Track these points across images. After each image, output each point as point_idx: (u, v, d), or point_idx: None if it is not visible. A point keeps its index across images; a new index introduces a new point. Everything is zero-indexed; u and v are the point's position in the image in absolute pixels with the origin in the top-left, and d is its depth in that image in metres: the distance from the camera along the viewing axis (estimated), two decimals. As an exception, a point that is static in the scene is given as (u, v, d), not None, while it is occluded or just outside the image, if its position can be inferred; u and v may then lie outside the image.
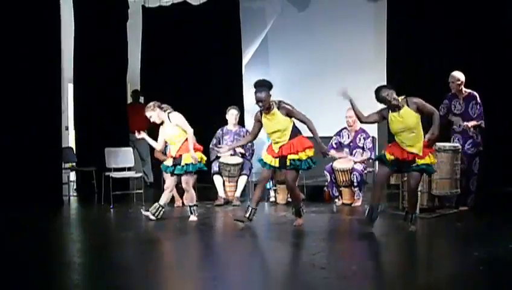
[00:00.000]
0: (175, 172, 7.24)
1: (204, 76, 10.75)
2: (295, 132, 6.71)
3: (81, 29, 9.88)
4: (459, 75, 7.55)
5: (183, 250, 6.06)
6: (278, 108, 6.60)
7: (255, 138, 7.12)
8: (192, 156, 7.14)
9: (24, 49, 8.24)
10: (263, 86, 6.58)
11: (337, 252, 5.94)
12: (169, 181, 7.35)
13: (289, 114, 6.63)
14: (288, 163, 6.58)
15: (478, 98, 7.49)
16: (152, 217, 7.20)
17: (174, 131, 7.23)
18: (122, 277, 5.01)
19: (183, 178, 7.25)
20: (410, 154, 6.21)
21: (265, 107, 6.58)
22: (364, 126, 8.54)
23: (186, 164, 7.17)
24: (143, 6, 11.04)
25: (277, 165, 6.67)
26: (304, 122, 6.69)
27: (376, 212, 6.39)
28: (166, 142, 7.59)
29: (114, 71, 10.12)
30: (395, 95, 6.18)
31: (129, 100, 10.80)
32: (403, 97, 6.24)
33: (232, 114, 8.83)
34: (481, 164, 7.60)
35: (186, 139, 7.22)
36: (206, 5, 10.79)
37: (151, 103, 7.33)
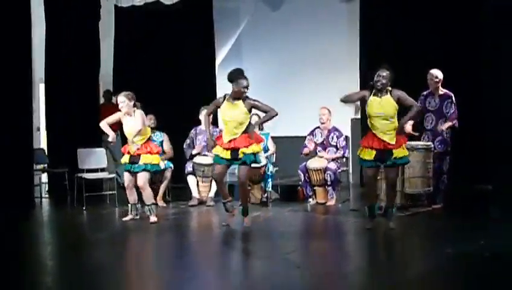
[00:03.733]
0: (133, 170, 7.17)
1: (177, 76, 10.69)
2: (250, 127, 6.71)
3: (52, 28, 9.77)
4: (437, 73, 7.61)
5: (157, 251, 6.02)
6: (243, 100, 6.62)
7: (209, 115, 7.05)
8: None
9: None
10: (243, 74, 6.68)
11: (312, 251, 5.94)
12: (128, 179, 7.22)
13: (254, 107, 6.65)
14: (241, 156, 6.58)
15: (453, 99, 7.56)
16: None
17: (137, 127, 7.17)
18: (95, 279, 4.95)
19: (140, 175, 7.15)
20: (385, 142, 6.29)
21: (245, 96, 6.61)
22: (337, 125, 8.59)
23: (145, 164, 7.15)
24: (115, 6, 10.94)
25: (229, 157, 6.64)
26: (267, 111, 6.72)
27: (374, 212, 6.55)
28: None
29: (86, 71, 10.02)
30: (385, 81, 6.29)
31: (101, 100, 10.69)
32: (388, 88, 6.36)
33: (203, 114, 8.78)
34: (450, 163, 7.67)
35: (148, 140, 7.26)
36: (179, 5, 10.73)
37: (131, 93, 7.29)
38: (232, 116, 6.62)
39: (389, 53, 9.05)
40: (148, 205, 7.20)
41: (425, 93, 7.70)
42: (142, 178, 7.16)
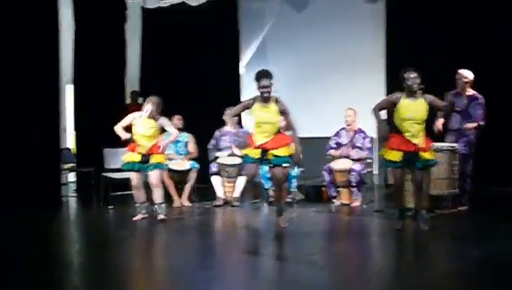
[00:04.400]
0: (147, 170, 7.24)
1: (202, 77, 10.76)
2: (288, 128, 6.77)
3: (80, 30, 9.92)
4: (467, 73, 7.55)
5: (181, 250, 6.06)
6: (276, 102, 6.60)
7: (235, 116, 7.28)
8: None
9: (23, 51, 8.24)
10: (268, 74, 6.63)
11: (336, 252, 5.93)
12: (137, 178, 7.31)
13: (282, 113, 6.62)
14: (270, 156, 6.58)
15: (481, 101, 7.48)
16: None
17: (151, 128, 7.30)
18: (121, 277, 5.02)
19: (154, 173, 7.24)
20: (413, 145, 6.30)
21: (268, 96, 6.59)
22: (363, 126, 8.56)
23: (156, 163, 7.25)
24: (142, 7, 11.05)
25: (259, 156, 6.62)
26: (291, 129, 6.72)
27: (404, 214, 6.53)
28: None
29: (113, 72, 10.16)
30: (419, 81, 6.28)
31: (128, 101, 10.80)
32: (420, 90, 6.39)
33: (228, 114, 8.82)
34: (474, 164, 7.60)
35: (157, 142, 7.32)
36: (204, 6, 10.79)
37: (160, 103, 7.43)
38: (265, 118, 6.61)
39: (415, 54, 8.99)
40: (157, 204, 7.28)
41: (452, 92, 7.63)
42: (156, 176, 7.26)
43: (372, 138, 8.63)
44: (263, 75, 6.61)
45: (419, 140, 6.34)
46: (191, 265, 5.35)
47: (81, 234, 7.28)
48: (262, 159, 6.66)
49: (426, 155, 6.37)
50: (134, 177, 7.30)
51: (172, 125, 7.64)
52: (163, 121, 7.43)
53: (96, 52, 9.93)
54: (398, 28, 9.55)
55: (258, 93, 6.62)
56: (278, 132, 6.68)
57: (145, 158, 7.24)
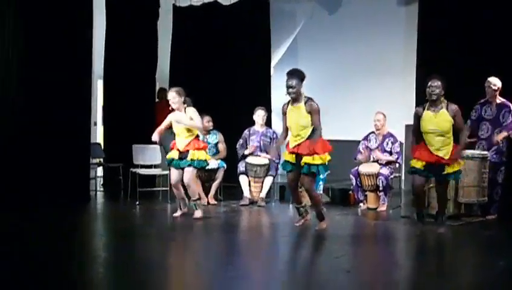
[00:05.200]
0: (180, 165, 7.25)
1: (232, 76, 10.81)
2: (316, 132, 6.53)
3: (112, 26, 10.05)
4: (495, 81, 7.52)
5: (207, 248, 6.12)
6: (305, 103, 6.49)
7: (287, 131, 6.79)
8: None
9: (56, 45, 8.35)
10: (294, 74, 6.51)
11: (362, 255, 5.94)
12: (175, 175, 7.31)
13: (310, 112, 6.47)
14: (302, 164, 6.46)
15: (511, 108, 7.44)
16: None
17: (186, 123, 7.25)
18: (146, 272, 5.08)
19: (186, 171, 7.22)
20: (438, 157, 6.29)
21: (294, 97, 6.49)
22: (392, 130, 8.54)
23: (192, 159, 7.20)
24: (174, 5, 11.15)
25: (294, 161, 6.56)
26: (315, 129, 6.51)
27: (422, 218, 6.73)
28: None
29: (143, 69, 10.26)
30: (438, 91, 6.23)
31: (157, 98, 10.89)
32: (443, 99, 6.34)
33: (259, 115, 8.87)
34: (506, 174, 7.53)
35: (196, 137, 7.33)
36: (236, 6, 10.85)
37: (181, 89, 7.39)
38: (296, 120, 6.53)
39: (447, 59, 8.93)
40: (193, 201, 7.33)
41: (482, 101, 7.61)
42: (188, 174, 7.23)
43: (401, 143, 8.61)
44: (288, 74, 6.55)
45: (444, 152, 6.32)
46: (215, 263, 5.40)
47: (108, 228, 7.39)
48: (297, 164, 6.55)
49: (451, 168, 6.37)
50: (171, 173, 7.36)
51: (198, 118, 7.40)
52: (190, 111, 7.32)
53: (128, 49, 10.04)
54: (430, 31, 9.46)
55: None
56: (312, 135, 6.50)
57: (183, 155, 7.25)
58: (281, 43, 11.41)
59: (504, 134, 7.38)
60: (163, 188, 8.87)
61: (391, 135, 8.51)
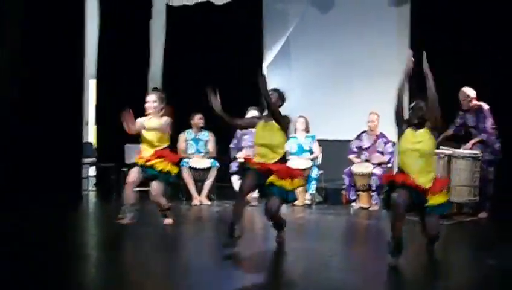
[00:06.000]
0: (147, 173, 6.56)
1: (225, 76, 10.83)
2: (284, 158, 5.90)
3: (105, 25, 10.07)
4: (468, 91, 7.66)
5: (196, 247, 6.13)
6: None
7: (239, 125, 6.46)
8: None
9: (48, 45, 8.36)
10: (276, 90, 6.05)
11: (354, 255, 5.98)
12: (134, 174, 6.58)
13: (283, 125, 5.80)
14: (268, 183, 5.65)
15: (486, 111, 7.56)
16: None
17: (158, 129, 6.61)
18: (138, 271, 5.11)
19: (154, 185, 6.56)
20: (417, 184, 5.24)
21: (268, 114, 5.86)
22: (385, 131, 8.60)
23: (159, 171, 6.52)
24: (167, 5, 11.18)
25: (258, 175, 5.71)
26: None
27: (401, 246, 5.20)
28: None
29: (136, 69, 10.29)
30: (421, 114, 5.37)
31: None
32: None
33: (252, 114, 8.89)
34: (498, 171, 7.62)
35: (165, 148, 6.67)
36: (229, 6, 10.89)
37: (163, 96, 6.87)
38: (263, 138, 5.87)
39: (440, 59, 8.99)
40: (163, 210, 6.81)
41: (464, 109, 7.76)
42: (156, 189, 6.58)
43: (394, 143, 8.67)
44: (271, 90, 6.03)
45: (424, 181, 5.27)
46: (206, 262, 5.42)
47: (99, 227, 7.40)
48: (261, 181, 5.72)
49: (435, 199, 5.30)
50: (131, 171, 6.64)
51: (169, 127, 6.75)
52: (164, 121, 6.69)
53: (120, 48, 10.07)
54: (423, 32, 9.54)
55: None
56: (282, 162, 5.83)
57: (148, 165, 6.55)
58: (274, 43, 11.42)
59: (474, 140, 7.54)
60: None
61: (384, 136, 8.58)
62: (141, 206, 8.21)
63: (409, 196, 5.19)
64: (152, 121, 6.67)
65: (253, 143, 8.31)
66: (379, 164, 8.40)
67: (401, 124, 5.46)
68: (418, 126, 5.38)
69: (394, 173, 5.71)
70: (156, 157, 6.55)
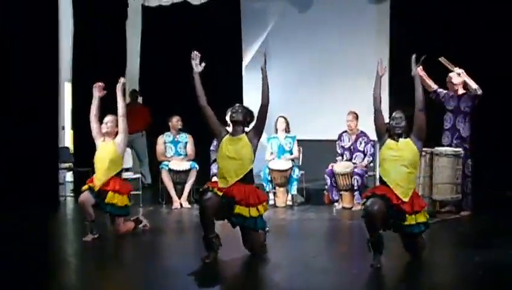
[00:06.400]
0: (100, 206, 6.39)
1: (204, 77, 10.74)
2: (251, 176, 5.66)
3: (79, 27, 9.94)
4: (456, 78, 7.70)
5: (182, 251, 6.09)
6: (247, 133, 5.70)
7: (205, 113, 5.95)
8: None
9: (22, 47, 8.27)
10: (242, 107, 5.87)
11: (337, 255, 5.98)
12: (86, 197, 6.38)
13: (257, 127, 5.68)
14: (234, 211, 5.42)
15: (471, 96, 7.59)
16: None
17: (114, 152, 6.51)
18: (116, 279, 5.06)
19: (118, 223, 6.49)
20: (396, 196, 5.15)
21: (236, 123, 5.74)
22: (366, 129, 8.60)
23: (108, 204, 6.37)
24: (143, 6, 11.09)
25: (222, 198, 5.42)
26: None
27: (380, 246, 5.18)
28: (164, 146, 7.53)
29: (112, 70, 10.13)
30: (403, 124, 5.31)
31: (127, 100, 10.82)
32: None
33: (230, 116, 8.86)
34: (482, 167, 7.67)
35: (117, 176, 6.52)
36: (206, 5, 10.82)
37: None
38: (229, 152, 5.62)
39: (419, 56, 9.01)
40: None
41: (444, 94, 7.81)
42: (121, 226, 6.51)
43: (374, 142, 8.66)
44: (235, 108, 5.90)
45: (402, 191, 5.17)
46: (188, 267, 5.36)
47: (77, 234, 7.29)
48: (226, 210, 5.45)
49: (413, 218, 5.19)
50: (83, 194, 6.43)
51: (124, 148, 6.67)
52: (118, 139, 6.59)
53: (96, 50, 9.95)
54: (402, 29, 9.57)
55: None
56: (249, 181, 5.60)
57: (99, 193, 6.38)
58: (253, 42, 11.39)
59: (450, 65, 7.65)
60: (135, 192, 8.77)
61: (364, 135, 8.59)
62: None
63: (384, 207, 5.10)
64: (105, 146, 6.58)
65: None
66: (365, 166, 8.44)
67: (382, 134, 5.42)
68: (399, 136, 5.33)
69: (377, 182, 5.66)
70: (110, 188, 6.38)
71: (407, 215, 5.15)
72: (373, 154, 8.50)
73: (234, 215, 5.44)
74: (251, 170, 5.61)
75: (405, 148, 5.28)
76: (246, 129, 5.76)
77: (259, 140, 5.71)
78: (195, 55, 5.89)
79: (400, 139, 5.33)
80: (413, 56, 5.49)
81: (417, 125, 5.34)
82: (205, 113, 5.90)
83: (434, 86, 7.78)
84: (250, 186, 5.56)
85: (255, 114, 5.75)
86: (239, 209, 5.42)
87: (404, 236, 5.40)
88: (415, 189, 5.36)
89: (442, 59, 7.62)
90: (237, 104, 5.94)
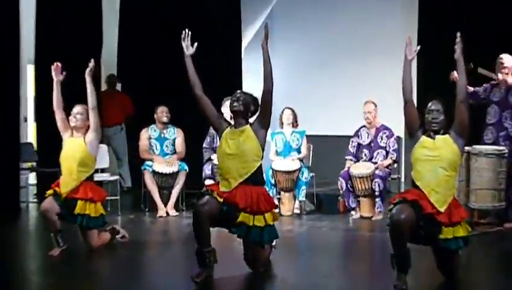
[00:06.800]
0: (67, 218, 6.37)
1: (196, 60, 10.70)
2: (259, 176, 5.66)
3: (44, 1, 9.87)
4: (506, 58, 7.67)
5: (168, 269, 6.05)
6: (251, 124, 5.67)
7: (201, 102, 5.89)
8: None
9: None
10: (244, 94, 5.81)
11: (354, 274, 5.94)
12: (49, 204, 6.35)
13: (261, 116, 5.64)
14: (237, 221, 5.40)
15: None
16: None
17: (84, 151, 6.42)
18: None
19: (89, 235, 6.43)
20: (431, 205, 5.10)
21: (238, 113, 5.67)
22: (387, 122, 8.55)
23: (79, 215, 6.30)
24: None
25: (222, 205, 5.40)
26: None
27: (406, 264, 5.09)
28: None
29: (85, 52, 10.07)
30: (441, 118, 5.28)
31: (103, 87, 10.78)
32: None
33: (227, 106, 8.77)
34: None
35: (89, 180, 6.45)
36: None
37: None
38: (231, 148, 5.58)
39: (451, 37, 8.98)
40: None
41: (493, 82, 7.80)
42: (93, 239, 6.45)
43: (398, 137, 8.63)
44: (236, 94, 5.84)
45: (440, 198, 5.13)
46: (178, 285, 5.34)
47: (42, 246, 7.25)
48: (227, 216, 5.42)
49: (450, 232, 5.13)
50: (46, 201, 6.42)
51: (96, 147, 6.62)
52: (90, 137, 6.51)
53: (65, 28, 9.89)
54: (434, 8, 9.50)
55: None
56: (256, 181, 5.59)
57: (67, 202, 6.33)
58: (253, 21, 11.38)
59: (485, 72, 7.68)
60: (112, 197, 8.75)
61: (386, 128, 8.56)
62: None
63: (414, 216, 5.02)
64: (73, 142, 6.50)
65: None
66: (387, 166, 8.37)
67: (415, 130, 5.38)
68: (436, 132, 5.29)
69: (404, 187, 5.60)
70: (80, 196, 6.31)
71: (443, 228, 5.08)
72: (396, 151, 8.44)
73: (236, 226, 5.40)
74: (259, 169, 5.55)
75: (443, 146, 5.21)
76: (251, 121, 5.73)
77: (267, 131, 5.68)
78: (186, 34, 5.78)
79: (437, 136, 5.26)
80: (458, 35, 5.38)
81: (458, 119, 5.27)
82: (201, 103, 5.84)
83: (469, 88, 7.71)
84: (258, 189, 5.51)
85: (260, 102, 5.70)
86: (243, 217, 5.37)
87: (437, 252, 5.31)
88: (454, 196, 5.28)
89: (480, 69, 7.59)
90: (238, 91, 5.88)
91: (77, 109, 6.63)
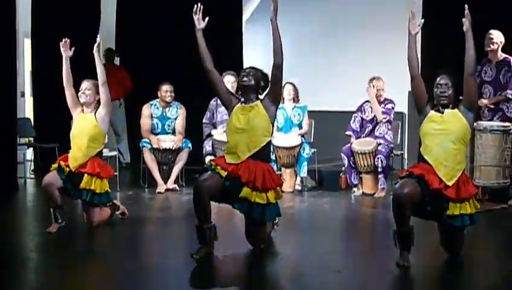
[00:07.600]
0: (72, 192, 6.42)
1: (194, 35, 10.68)
2: (267, 153, 5.77)
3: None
4: (496, 33, 7.70)
5: (168, 246, 6.08)
6: (262, 100, 5.69)
7: (210, 76, 5.87)
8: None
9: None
10: (253, 69, 5.81)
11: (356, 252, 5.96)
12: (51, 178, 6.36)
13: (272, 92, 5.66)
14: (240, 195, 5.42)
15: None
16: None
17: (95, 127, 6.45)
18: (87, 276, 5.07)
19: (92, 212, 6.49)
20: (439, 179, 5.08)
21: (247, 88, 5.69)
22: (392, 97, 8.55)
23: (86, 189, 6.35)
24: None
25: (225, 180, 5.42)
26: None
27: (409, 241, 5.13)
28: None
29: (82, 26, 10.07)
30: (450, 92, 5.26)
31: (102, 61, 10.76)
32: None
33: (228, 81, 8.74)
34: None
35: (97, 156, 6.50)
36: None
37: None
38: (240, 123, 5.62)
39: (459, 12, 8.95)
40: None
41: (483, 60, 7.81)
42: (94, 216, 6.50)
43: (401, 114, 8.62)
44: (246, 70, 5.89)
45: (448, 172, 5.11)
46: (175, 265, 5.36)
47: (40, 224, 7.28)
48: (230, 191, 5.44)
49: (457, 208, 5.11)
50: (48, 174, 6.42)
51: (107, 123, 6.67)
52: (101, 112, 6.52)
53: (62, 0, 9.88)
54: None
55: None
56: (264, 157, 5.63)
57: (73, 177, 6.36)
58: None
59: (496, 98, 7.62)
60: (111, 173, 8.79)
61: (390, 101, 8.55)
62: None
63: (418, 191, 5.01)
64: (84, 119, 6.51)
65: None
66: (385, 141, 8.39)
67: (423, 105, 5.34)
68: (445, 106, 5.27)
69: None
70: (87, 171, 6.35)
71: (450, 203, 5.06)
72: (390, 111, 8.45)
73: (239, 201, 5.43)
74: (267, 145, 5.61)
75: (451, 120, 5.20)
76: (261, 97, 5.76)
77: (277, 108, 5.73)
78: (198, 8, 5.82)
79: (446, 110, 5.25)
80: (466, 7, 5.36)
81: (467, 92, 5.26)
82: (212, 78, 5.88)
83: None
84: (264, 165, 5.53)
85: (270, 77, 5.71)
86: (245, 192, 5.39)
87: (442, 228, 5.33)
88: (464, 171, 5.26)
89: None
90: (248, 67, 5.94)
91: (85, 84, 6.62)
